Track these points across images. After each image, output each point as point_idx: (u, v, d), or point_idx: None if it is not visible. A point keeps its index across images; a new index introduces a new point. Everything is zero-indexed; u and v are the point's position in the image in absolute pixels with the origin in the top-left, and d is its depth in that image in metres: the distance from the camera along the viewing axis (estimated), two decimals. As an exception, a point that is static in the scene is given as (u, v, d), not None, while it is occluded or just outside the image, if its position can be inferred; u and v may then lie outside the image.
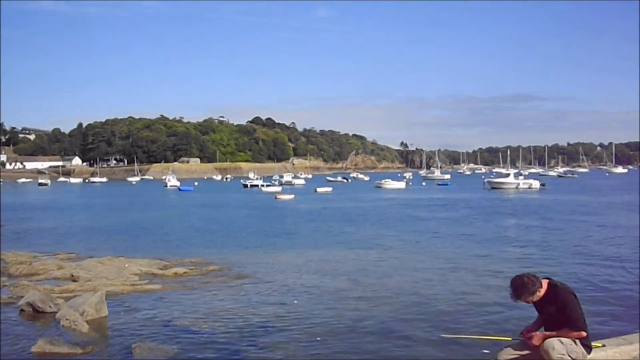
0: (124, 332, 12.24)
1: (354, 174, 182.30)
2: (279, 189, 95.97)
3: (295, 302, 15.28)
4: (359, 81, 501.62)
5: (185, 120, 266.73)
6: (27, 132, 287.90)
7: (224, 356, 10.73)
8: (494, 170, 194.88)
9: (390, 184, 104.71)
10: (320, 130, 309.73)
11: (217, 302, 15.26)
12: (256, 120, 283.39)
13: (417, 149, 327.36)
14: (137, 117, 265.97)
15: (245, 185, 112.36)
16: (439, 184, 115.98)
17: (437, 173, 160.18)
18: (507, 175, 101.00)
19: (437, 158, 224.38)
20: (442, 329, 11.92)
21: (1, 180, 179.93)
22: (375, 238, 30.31)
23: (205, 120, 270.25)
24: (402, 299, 15.42)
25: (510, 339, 7.02)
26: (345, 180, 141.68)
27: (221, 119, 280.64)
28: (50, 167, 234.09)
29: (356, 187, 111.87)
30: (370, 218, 43.07)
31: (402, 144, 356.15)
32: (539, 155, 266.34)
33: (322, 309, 14.38)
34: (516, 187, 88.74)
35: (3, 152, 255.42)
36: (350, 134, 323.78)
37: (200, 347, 11.17)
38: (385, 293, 16.21)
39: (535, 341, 6.51)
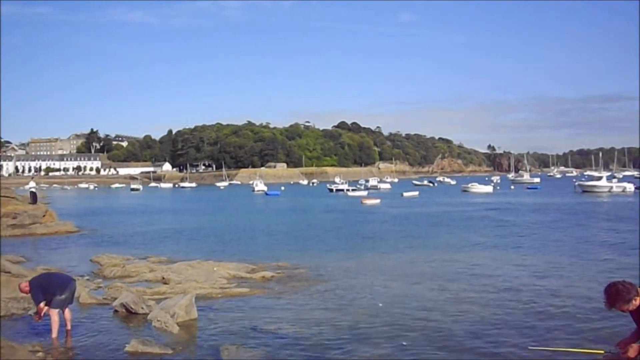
0: (213, 334, 12.42)
1: (440, 178, 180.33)
2: (364, 193, 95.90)
3: (381, 305, 15.18)
4: (443, 84, 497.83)
5: (271, 126, 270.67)
6: (120, 139, 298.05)
7: (308, 359, 10.74)
8: (585, 173, 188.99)
9: (478, 188, 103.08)
10: (406, 134, 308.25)
11: (304, 305, 15.32)
12: (342, 125, 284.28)
13: (504, 152, 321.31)
14: (224, 123, 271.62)
15: (331, 190, 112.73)
16: (528, 188, 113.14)
17: (525, 176, 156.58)
18: (600, 178, 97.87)
19: (525, 161, 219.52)
20: (530, 340, 11.60)
21: (96, 185, 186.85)
22: (461, 243, 29.83)
23: (291, 126, 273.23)
24: (489, 305, 15.06)
25: (603, 352, 6.74)
26: (431, 184, 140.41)
27: (307, 124, 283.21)
28: (141, 172, 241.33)
29: (443, 191, 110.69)
30: (457, 222, 42.49)
31: (489, 147, 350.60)
32: (634, 158, 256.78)
33: (407, 314, 14.21)
34: (609, 191, 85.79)
35: (98, 159, 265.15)
36: (436, 137, 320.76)
37: (287, 351, 11.20)
38: (471, 299, 15.88)
39: (631, 353, 6.19)
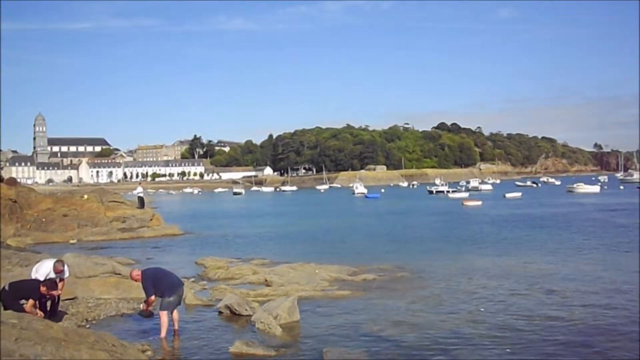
0: (315, 336, 12.47)
1: (544, 178, 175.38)
2: (465, 194, 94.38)
3: (482, 309, 14.86)
4: (546, 82, 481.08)
5: (370, 129, 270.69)
6: (222, 144, 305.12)
7: (412, 363, 10.62)
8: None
9: (584, 188, 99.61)
10: (508, 134, 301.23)
11: (406, 308, 15.17)
12: (441, 126, 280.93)
13: (612, 150, 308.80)
14: (324, 127, 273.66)
15: (431, 192, 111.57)
16: (639, 187, 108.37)
17: (636, 175, 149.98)
18: None
19: (635, 159, 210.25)
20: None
21: (200, 190, 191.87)
22: (567, 245, 28.85)
23: (390, 128, 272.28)
24: (597, 312, 14.46)
25: None
26: (535, 185, 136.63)
27: (406, 125, 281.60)
28: (243, 177, 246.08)
29: (547, 191, 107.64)
30: (562, 224, 41.12)
31: (595, 145, 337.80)
32: None
33: (510, 318, 13.85)
34: None
35: (201, 164, 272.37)
36: (539, 136, 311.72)
37: (389, 354, 11.12)
38: (578, 304, 15.30)
39: None
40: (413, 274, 20.88)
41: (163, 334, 12.13)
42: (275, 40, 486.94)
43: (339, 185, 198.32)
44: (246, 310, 14.20)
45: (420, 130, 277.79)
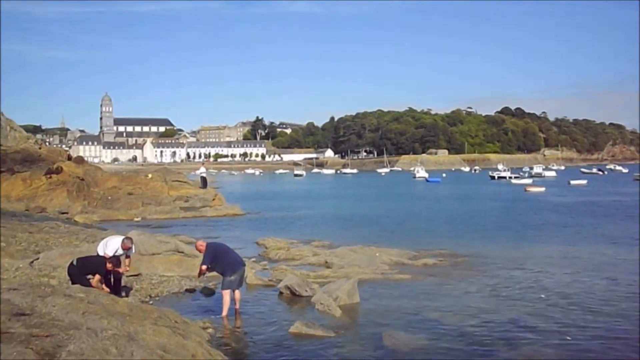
0: (374, 319, 12.45)
1: (610, 166, 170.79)
2: (528, 181, 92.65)
3: (543, 296, 14.61)
4: (615, 65, 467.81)
5: (432, 112, 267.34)
6: (284, 126, 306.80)
7: (471, 350, 10.48)
8: None
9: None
10: (574, 120, 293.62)
11: (465, 294, 15.03)
12: (505, 111, 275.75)
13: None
14: (385, 110, 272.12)
15: (493, 177, 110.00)
16: None
17: None
18: None
19: None
20: None
21: (261, 171, 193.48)
22: (633, 235, 27.99)
23: (452, 112, 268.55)
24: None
25: None
26: (601, 173, 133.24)
27: (469, 109, 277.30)
28: (304, 159, 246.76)
29: (613, 179, 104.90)
30: (628, 213, 39.95)
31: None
32: None
33: (572, 307, 13.56)
34: None
35: (263, 146, 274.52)
36: (607, 122, 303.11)
37: (448, 340, 11.02)
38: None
39: None
40: (474, 259, 20.65)
41: (224, 312, 12.29)
42: (338, 22, 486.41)
43: (400, 169, 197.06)
44: (306, 291, 14.28)
45: (483, 114, 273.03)
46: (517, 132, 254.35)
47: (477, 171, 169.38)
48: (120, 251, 13.15)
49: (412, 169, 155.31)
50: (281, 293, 14.58)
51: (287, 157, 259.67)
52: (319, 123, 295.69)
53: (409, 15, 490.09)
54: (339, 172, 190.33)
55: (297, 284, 14.46)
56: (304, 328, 11.25)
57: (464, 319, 12.47)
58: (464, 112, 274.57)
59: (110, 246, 13.22)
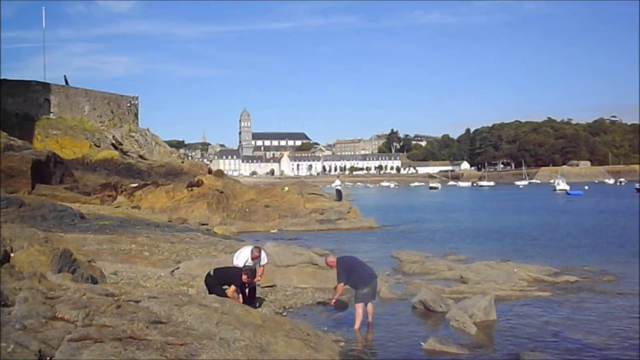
0: (511, 338, 11.96)
1: None
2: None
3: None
4: None
5: (573, 122, 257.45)
6: (419, 139, 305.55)
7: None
8: None
9: None
10: None
11: (610, 315, 14.11)
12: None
13: None
14: (523, 120, 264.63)
15: (639, 190, 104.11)
16: None
17: None
18: None
19: None
20: None
21: (397, 184, 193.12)
22: None
23: (595, 121, 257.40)
24: None
25: None
26: None
27: (613, 118, 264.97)
28: (440, 171, 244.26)
29: None
30: None
31: None
32: None
33: None
34: None
35: (398, 158, 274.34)
36: None
37: (593, 363, 10.40)
38: None
39: None
40: (620, 278, 19.38)
41: (357, 325, 12.22)
42: (470, 32, 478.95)
43: (539, 181, 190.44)
44: (440, 307, 13.96)
45: (628, 123, 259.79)
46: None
47: (622, 183, 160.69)
48: (250, 261, 13.39)
49: (551, 181, 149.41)
50: (415, 308, 14.33)
51: (422, 170, 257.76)
52: (455, 135, 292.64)
53: (547, 21, 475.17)
54: (475, 184, 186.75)
55: (431, 299, 14.17)
56: (437, 345, 10.97)
57: (607, 341, 11.72)
58: (608, 121, 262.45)
59: (241, 257, 13.53)
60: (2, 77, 55.97)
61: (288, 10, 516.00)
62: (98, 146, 55.79)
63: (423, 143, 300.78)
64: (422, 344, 11.15)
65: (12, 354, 6.15)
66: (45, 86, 57.83)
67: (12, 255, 12.27)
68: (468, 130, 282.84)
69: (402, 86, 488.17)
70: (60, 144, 52.20)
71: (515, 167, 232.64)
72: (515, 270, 19.92)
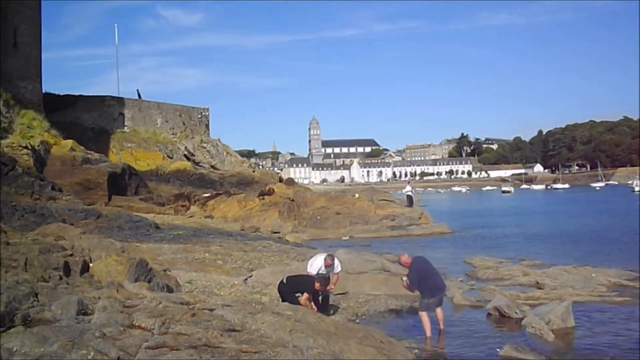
0: (590, 345, 11.64)
1: None
2: None
3: None
4: None
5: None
6: (489, 142, 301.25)
7: None
8: None
9: None
10: None
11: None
12: None
13: None
14: (598, 120, 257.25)
15: None
16: None
17: None
18: None
19: None
20: None
21: (468, 188, 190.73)
22: None
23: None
24: None
25: None
26: None
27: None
28: (512, 174, 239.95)
29: None
30: None
31: None
32: None
33: None
34: None
35: (469, 162, 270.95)
36: None
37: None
38: None
39: None
40: None
41: (428, 333, 12.12)
42: (540, 32, 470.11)
43: (616, 183, 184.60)
44: (516, 313, 13.70)
45: None
46: None
47: None
48: (324, 269, 13.42)
49: (630, 182, 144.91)
50: (489, 314, 14.11)
51: (494, 174, 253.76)
52: (526, 137, 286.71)
53: (621, 18, 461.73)
54: (549, 187, 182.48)
55: (506, 305, 13.92)
56: (514, 352, 10.76)
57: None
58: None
59: (314, 265, 13.58)
60: (78, 94, 58.03)
61: (354, 17, 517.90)
62: (171, 157, 57.02)
63: (494, 146, 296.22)
64: (498, 350, 10.97)
65: (93, 361, 6.33)
66: (119, 100, 59.59)
67: (91, 265, 12.65)
68: (540, 131, 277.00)
69: (471, 89, 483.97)
70: (135, 156, 53.62)
71: (590, 168, 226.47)
72: (593, 275, 19.41)
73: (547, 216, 58.34)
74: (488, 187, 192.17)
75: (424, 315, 12.24)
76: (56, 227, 19.22)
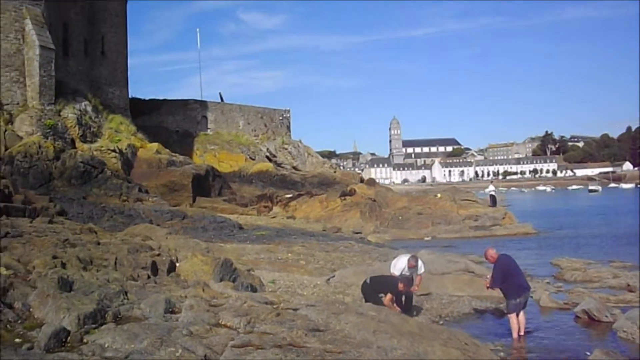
0: (689, 351, 11.18)
1: None
2: None
3: None
4: None
5: None
6: (575, 140, 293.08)
7: None
8: None
9: None
10: None
11: None
12: None
13: None
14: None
15: None
16: None
17: None
18: None
19: None
20: None
21: (553, 187, 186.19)
22: None
23: None
24: None
25: None
26: None
27: None
28: (599, 173, 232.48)
29: None
30: None
31: None
32: None
33: None
34: None
35: (554, 161, 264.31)
36: None
37: None
38: None
39: None
40: None
41: (515, 335, 11.92)
42: (628, 24, 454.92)
43: None
44: (606, 316, 13.28)
45: None
46: None
47: None
48: (407, 270, 13.34)
49: None
50: (577, 317, 13.71)
51: (580, 172, 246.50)
52: (615, 134, 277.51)
53: None
54: (639, 186, 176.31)
55: (595, 309, 13.50)
56: (604, 356, 10.40)
57: None
58: None
59: (398, 265, 13.52)
60: (163, 98, 59.69)
61: (426, 14, 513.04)
62: (253, 159, 57.89)
63: (580, 144, 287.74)
64: (588, 354, 10.65)
65: (181, 358, 6.49)
66: (202, 104, 60.96)
67: (177, 265, 12.97)
68: (629, 128, 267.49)
69: (555, 86, 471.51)
70: (218, 158, 54.69)
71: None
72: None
73: (638, 215, 56.33)
74: (574, 186, 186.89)
75: (512, 317, 12.02)
76: (143, 227, 19.86)
